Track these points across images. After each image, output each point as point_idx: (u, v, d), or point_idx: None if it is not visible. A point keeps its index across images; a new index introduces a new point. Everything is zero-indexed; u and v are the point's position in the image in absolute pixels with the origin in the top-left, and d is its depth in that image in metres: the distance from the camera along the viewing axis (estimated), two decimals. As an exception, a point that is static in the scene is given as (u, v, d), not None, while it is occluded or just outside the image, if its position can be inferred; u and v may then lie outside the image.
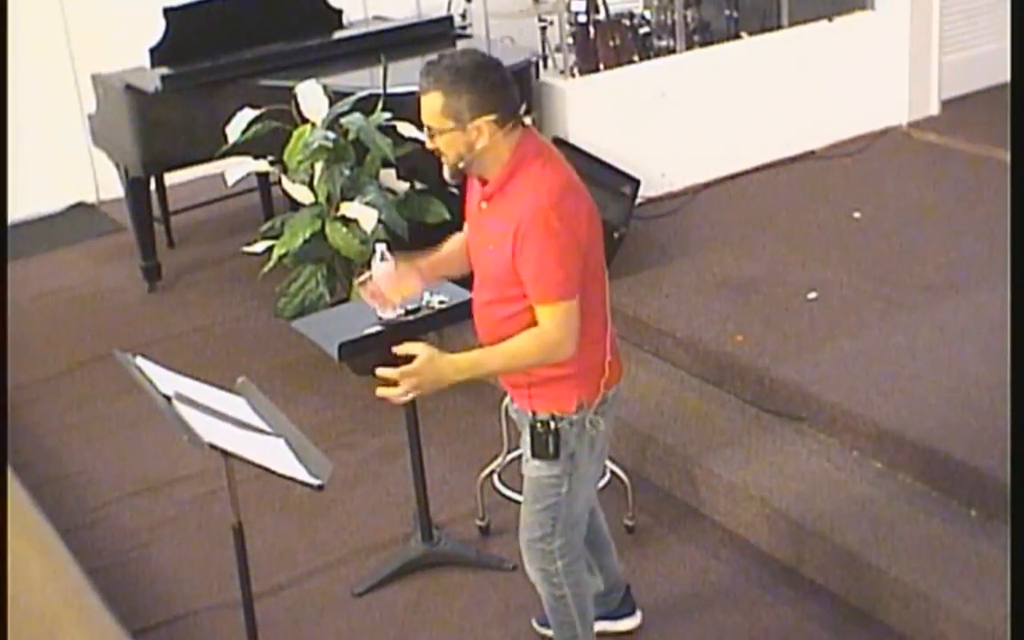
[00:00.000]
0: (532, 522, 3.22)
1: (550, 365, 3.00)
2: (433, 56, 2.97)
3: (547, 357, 2.95)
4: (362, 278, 3.43)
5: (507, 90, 2.96)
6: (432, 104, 2.92)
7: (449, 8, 6.96)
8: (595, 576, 3.59)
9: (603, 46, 6.45)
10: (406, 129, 4.96)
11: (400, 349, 3.03)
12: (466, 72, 2.91)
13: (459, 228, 3.36)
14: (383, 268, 3.38)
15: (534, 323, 2.97)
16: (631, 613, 3.69)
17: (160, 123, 6.01)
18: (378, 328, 3.72)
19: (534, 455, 3.09)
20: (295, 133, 5.00)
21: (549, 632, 3.63)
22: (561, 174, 2.98)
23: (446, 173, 3.02)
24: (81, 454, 4.99)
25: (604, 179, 5.56)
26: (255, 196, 6.84)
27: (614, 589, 3.63)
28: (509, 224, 2.93)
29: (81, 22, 7.42)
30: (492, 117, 2.91)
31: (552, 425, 3.03)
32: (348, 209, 4.92)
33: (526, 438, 3.13)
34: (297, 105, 5.02)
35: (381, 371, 3.01)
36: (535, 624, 3.72)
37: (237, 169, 5.14)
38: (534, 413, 3.06)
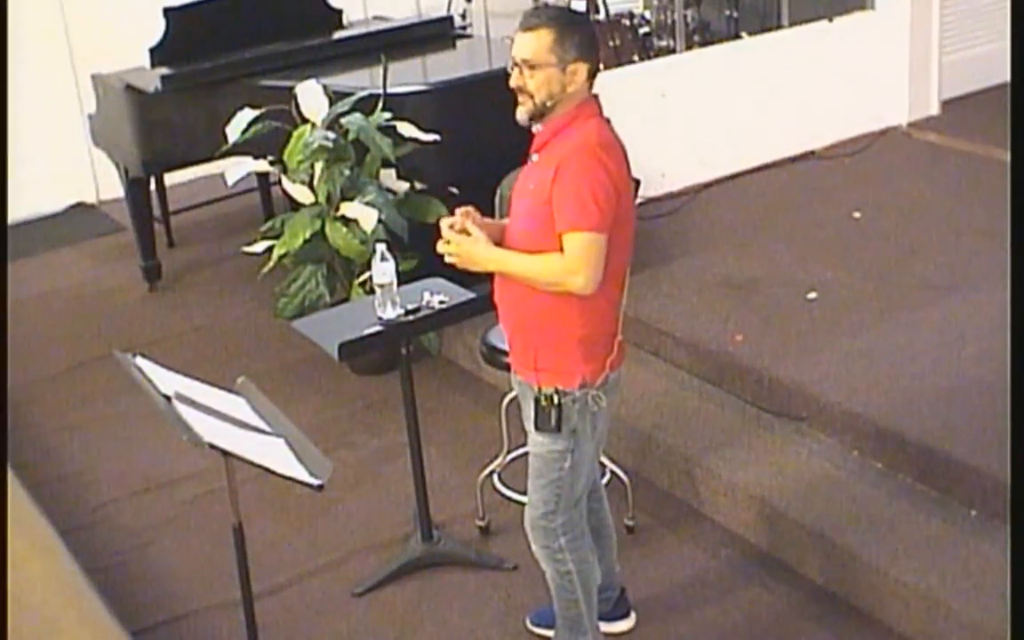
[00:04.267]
0: (536, 499, 3.27)
1: (561, 324, 3.05)
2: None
3: (562, 280, 2.97)
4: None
5: (598, 45, 3.12)
6: (541, 40, 3.01)
7: (449, 8, 6.96)
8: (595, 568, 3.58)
9: (603, 46, 6.46)
10: (406, 129, 4.97)
11: (453, 222, 3.15)
12: (576, 18, 3.11)
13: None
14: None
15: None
16: (626, 615, 3.69)
17: (160, 123, 6.01)
18: (378, 328, 3.73)
19: (537, 429, 3.15)
20: (295, 133, 5.00)
21: (543, 631, 3.65)
22: (611, 136, 3.09)
23: (521, 114, 3.08)
24: (81, 454, 4.99)
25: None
26: (255, 196, 6.85)
27: (609, 588, 3.62)
28: (553, 164, 3.01)
29: (81, 22, 7.43)
30: (588, 65, 3.05)
31: (555, 399, 3.09)
32: (348, 209, 4.92)
33: (529, 412, 3.17)
34: (297, 105, 5.02)
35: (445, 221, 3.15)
36: (529, 624, 3.72)
37: (237, 169, 5.14)
38: (539, 387, 3.11)
